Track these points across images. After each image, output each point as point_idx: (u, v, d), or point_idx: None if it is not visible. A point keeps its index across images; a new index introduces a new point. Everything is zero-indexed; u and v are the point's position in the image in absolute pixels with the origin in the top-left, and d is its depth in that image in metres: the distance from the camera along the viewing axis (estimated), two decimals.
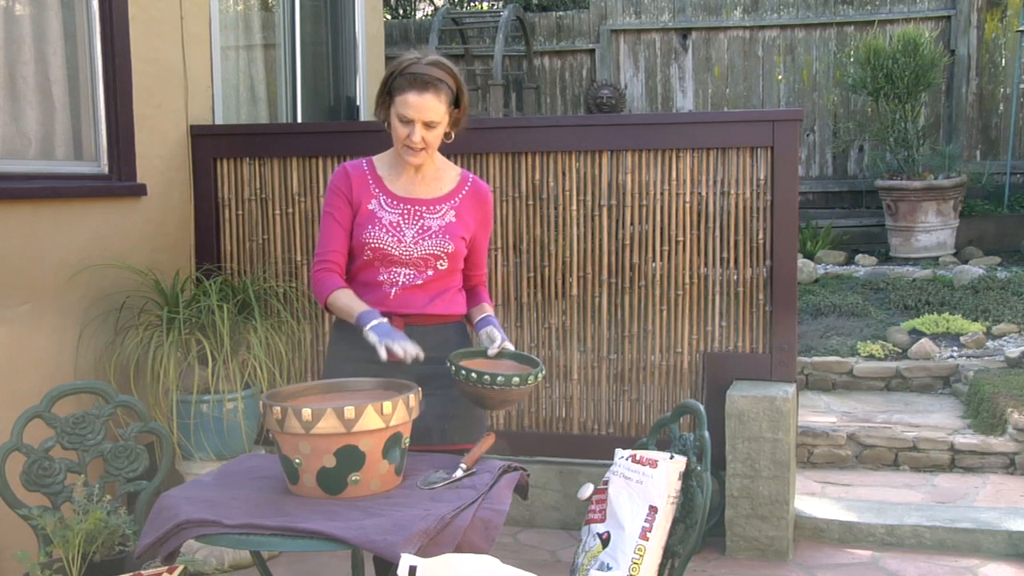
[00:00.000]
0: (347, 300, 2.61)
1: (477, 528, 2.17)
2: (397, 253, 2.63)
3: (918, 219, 7.79)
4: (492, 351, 2.59)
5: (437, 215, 2.67)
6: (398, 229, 2.64)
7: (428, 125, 2.58)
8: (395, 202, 2.67)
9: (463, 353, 2.58)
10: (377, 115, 2.70)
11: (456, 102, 2.63)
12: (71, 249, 3.82)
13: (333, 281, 2.66)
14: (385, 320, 2.54)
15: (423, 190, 2.70)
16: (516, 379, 2.45)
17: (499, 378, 2.44)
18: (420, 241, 2.64)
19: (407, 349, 2.46)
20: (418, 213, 2.66)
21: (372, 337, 2.48)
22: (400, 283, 2.65)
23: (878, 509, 4.22)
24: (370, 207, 2.66)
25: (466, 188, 2.73)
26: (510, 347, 2.63)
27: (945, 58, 8.22)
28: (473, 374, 2.45)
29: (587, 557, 2.50)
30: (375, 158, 2.76)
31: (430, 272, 2.65)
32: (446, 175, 2.74)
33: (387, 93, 2.62)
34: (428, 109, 2.56)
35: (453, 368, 2.49)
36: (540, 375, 2.52)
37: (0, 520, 3.08)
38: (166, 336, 3.78)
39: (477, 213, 2.73)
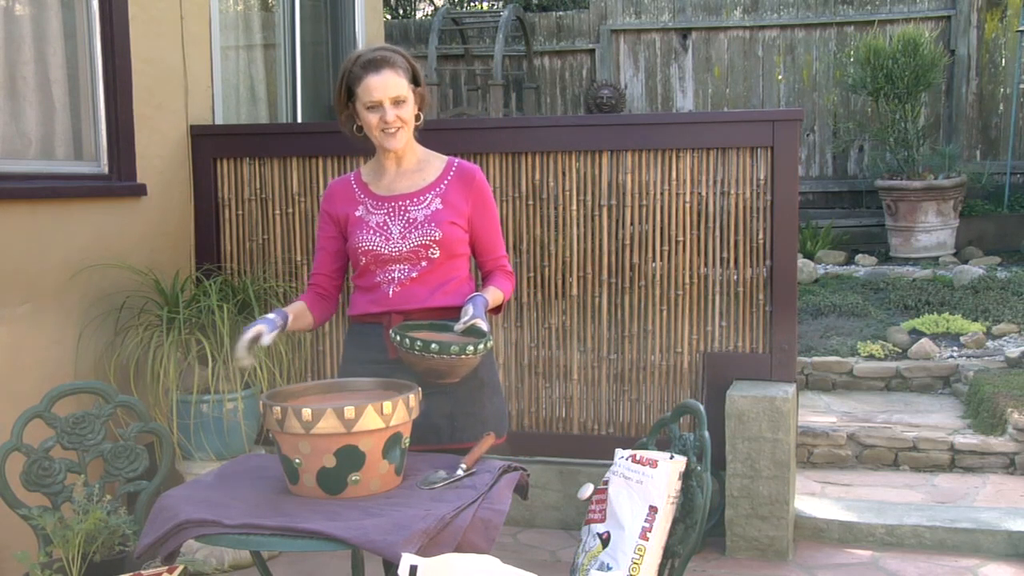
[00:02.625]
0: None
1: (477, 528, 2.17)
2: (387, 251, 2.63)
3: (918, 219, 7.79)
4: (458, 327, 2.50)
5: (422, 205, 2.66)
6: (385, 228, 2.65)
7: (396, 102, 2.60)
8: (379, 203, 2.69)
9: (428, 325, 2.57)
10: (343, 125, 2.72)
11: (414, 80, 2.66)
12: (71, 249, 3.81)
13: (302, 297, 2.78)
14: (272, 316, 2.58)
15: (406, 185, 2.70)
16: (435, 346, 2.40)
17: (418, 343, 2.40)
18: (407, 235, 2.63)
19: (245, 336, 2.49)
20: (403, 208, 2.67)
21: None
22: (396, 279, 2.64)
23: (878, 509, 4.22)
24: (357, 214, 2.69)
25: (451, 174, 2.72)
26: (482, 325, 2.49)
27: (945, 58, 8.22)
28: (398, 337, 2.44)
29: (587, 557, 2.50)
30: (361, 168, 2.80)
31: (424, 264, 2.64)
32: (430, 165, 2.74)
33: (347, 93, 2.65)
34: (391, 85, 2.59)
35: (392, 334, 2.47)
36: (470, 349, 2.42)
37: (0, 520, 3.07)
38: (166, 336, 3.78)
39: (468, 195, 2.70)
